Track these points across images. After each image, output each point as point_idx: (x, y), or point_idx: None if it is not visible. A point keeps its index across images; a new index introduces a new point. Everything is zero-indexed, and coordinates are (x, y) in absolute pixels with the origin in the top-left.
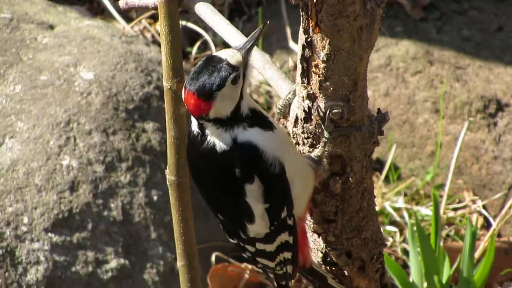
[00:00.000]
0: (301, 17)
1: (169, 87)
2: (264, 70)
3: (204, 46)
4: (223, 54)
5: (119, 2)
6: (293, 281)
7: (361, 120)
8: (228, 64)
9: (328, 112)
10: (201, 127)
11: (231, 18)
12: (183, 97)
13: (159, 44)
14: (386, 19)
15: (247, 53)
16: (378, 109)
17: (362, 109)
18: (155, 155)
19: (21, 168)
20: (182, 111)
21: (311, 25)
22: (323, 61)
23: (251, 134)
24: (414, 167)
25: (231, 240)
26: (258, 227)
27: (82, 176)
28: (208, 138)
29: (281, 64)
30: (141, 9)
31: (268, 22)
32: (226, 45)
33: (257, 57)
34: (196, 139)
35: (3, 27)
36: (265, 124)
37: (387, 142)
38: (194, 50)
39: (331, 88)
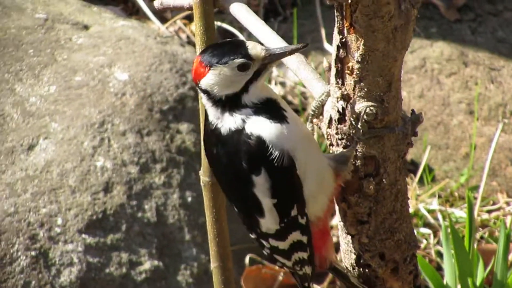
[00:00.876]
0: (336, 18)
1: None
2: (298, 70)
3: None
4: (249, 42)
5: (154, 2)
6: (326, 283)
7: (395, 121)
8: (244, 51)
9: (362, 113)
10: (208, 110)
11: (266, 18)
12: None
13: (194, 45)
14: (421, 20)
15: (270, 57)
16: (412, 110)
17: (396, 110)
18: (189, 156)
19: (55, 169)
20: None
21: (345, 25)
22: (357, 62)
23: (257, 124)
24: (448, 169)
25: (250, 235)
26: (268, 222)
27: (116, 177)
28: (213, 121)
29: (316, 65)
30: (176, 10)
31: (308, 44)
32: None
33: (292, 58)
34: (207, 126)
35: (38, 28)
36: (275, 116)
37: (421, 144)
38: None
39: (365, 89)
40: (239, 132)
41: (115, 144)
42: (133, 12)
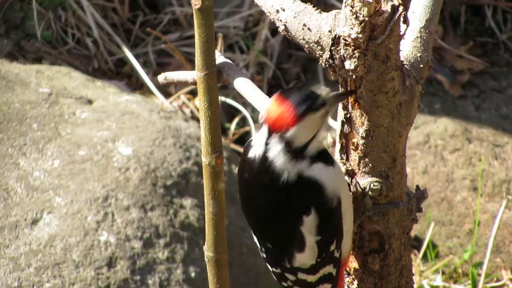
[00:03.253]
0: None
1: (208, 162)
2: None
3: (243, 122)
4: (318, 89)
5: (158, 77)
6: None
7: (399, 197)
8: (324, 99)
9: (367, 189)
10: (265, 149)
11: (270, 93)
12: (271, 103)
13: (197, 120)
14: (425, 96)
15: (336, 99)
16: (417, 186)
17: (401, 185)
18: (193, 232)
19: (58, 243)
20: (220, 187)
21: (350, 101)
22: (362, 137)
23: (316, 171)
24: (452, 245)
25: (272, 269)
26: (306, 257)
27: (119, 252)
28: (272, 163)
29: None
30: (180, 84)
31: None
32: None
33: None
34: (255, 163)
35: (42, 102)
36: (328, 160)
37: (425, 220)
38: (233, 126)
39: (370, 165)
40: (299, 177)
41: (119, 218)
42: (137, 86)
